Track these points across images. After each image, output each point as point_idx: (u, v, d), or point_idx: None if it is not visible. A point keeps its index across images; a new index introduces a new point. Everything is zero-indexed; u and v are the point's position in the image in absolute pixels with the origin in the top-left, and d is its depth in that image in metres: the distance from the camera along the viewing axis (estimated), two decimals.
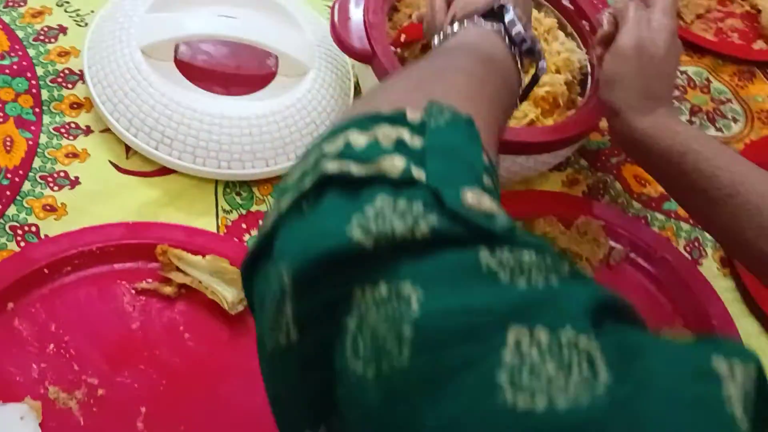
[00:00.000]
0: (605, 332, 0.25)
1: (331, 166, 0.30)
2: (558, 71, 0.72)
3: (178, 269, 0.62)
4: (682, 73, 0.96)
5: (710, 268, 0.75)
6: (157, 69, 0.70)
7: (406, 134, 0.32)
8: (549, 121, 0.73)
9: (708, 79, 0.96)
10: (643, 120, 0.63)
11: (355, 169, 0.30)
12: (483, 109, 0.41)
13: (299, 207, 0.31)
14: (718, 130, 0.91)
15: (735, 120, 0.92)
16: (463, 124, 0.34)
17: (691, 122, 0.91)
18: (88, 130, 0.70)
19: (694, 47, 0.99)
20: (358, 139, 0.31)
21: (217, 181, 0.70)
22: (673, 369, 0.24)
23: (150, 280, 0.62)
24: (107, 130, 0.69)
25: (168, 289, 0.62)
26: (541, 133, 0.70)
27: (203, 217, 0.68)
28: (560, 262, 0.28)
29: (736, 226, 0.57)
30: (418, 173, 0.30)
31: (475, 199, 0.29)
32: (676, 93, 0.93)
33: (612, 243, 0.75)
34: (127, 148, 0.69)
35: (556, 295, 0.27)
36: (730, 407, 0.23)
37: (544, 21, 0.77)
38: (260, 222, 0.68)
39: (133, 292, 0.62)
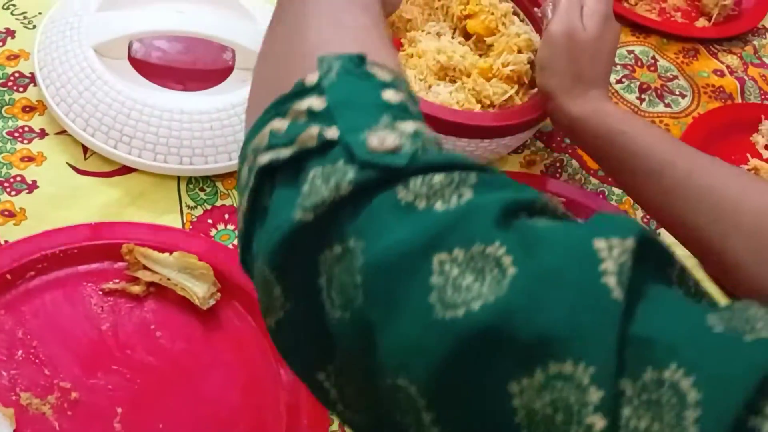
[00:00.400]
0: (513, 228, 0.29)
1: (263, 159, 0.34)
2: (521, 51, 0.74)
3: (145, 268, 0.62)
4: (629, 52, 0.98)
5: (668, 238, 0.77)
6: (111, 68, 0.69)
7: (312, 101, 0.34)
8: (517, 100, 0.74)
9: (654, 58, 0.99)
10: (575, 104, 0.65)
11: (283, 153, 0.33)
12: (363, 29, 0.42)
13: (259, 203, 0.34)
14: (667, 105, 0.93)
15: (682, 95, 0.95)
16: (352, 67, 0.35)
17: (641, 99, 0.93)
18: (42, 133, 0.68)
19: (640, 27, 1.01)
20: (280, 125, 0.34)
21: (179, 178, 0.69)
22: (562, 253, 0.28)
23: (117, 280, 0.62)
24: (63, 131, 0.68)
25: (136, 288, 0.61)
26: (505, 116, 0.71)
27: (167, 214, 0.67)
28: (467, 174, 0.31)
29: (665, 202, 0.59)
30: (332, 133, 0.32)
31: (377, 140, 0.31)
32: (626, 72, 0.96)
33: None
34: (85, 149, 0.68)
35: (468, 211, 0.30)
36: (605, 280, 0.26)
37: (500, 6, 0.78)
38: (226, 216, 0.68)
39: (101, 293, 0.61)
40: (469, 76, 0.74)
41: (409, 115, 0.34)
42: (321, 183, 0.31)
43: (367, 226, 0.30)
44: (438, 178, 0.30)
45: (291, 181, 0.33)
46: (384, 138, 0.31)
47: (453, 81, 0.74)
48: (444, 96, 0.71)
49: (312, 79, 0.35)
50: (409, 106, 0.35)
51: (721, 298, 0.75)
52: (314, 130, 0.32)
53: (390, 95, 0.35)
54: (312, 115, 0.33)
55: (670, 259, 0.30)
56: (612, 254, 0.27)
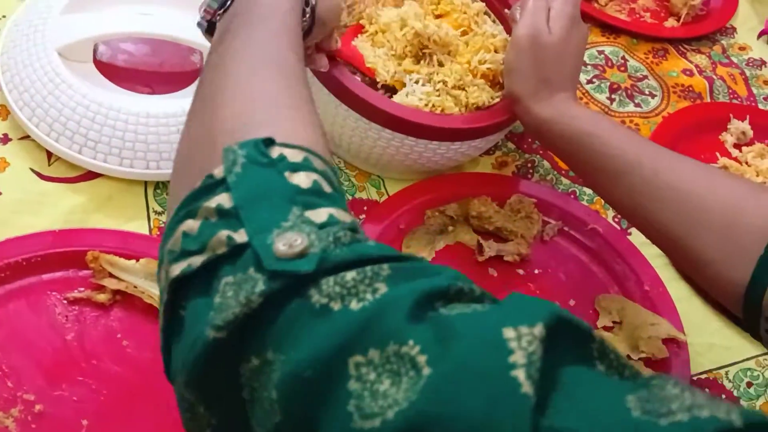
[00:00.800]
0: (427, 321, 0.28)
1: (175, 271, 0.33)
2: (497, 50, 0.73)
3: (111, 275, 0.60)
4: (599, 53, 0.99)
5: (639, 237, 0.77)
6: (75, 71, 0.67)
7: (220, 199, 0.33)
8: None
9: (624, 58, 0.99)
10: (541, 106, 0.66)
11: (195, 261, 0.32)
12: (281, 98, 0.42)
13: (176, 314, 0.34)
14: (637, 105, 0.94)
15: (652, 95, 0.96)
16: (257, 155, 0.35)
17: (611, 99, 0.93)
18: (6, 139, 0.67)
19: (610, 28, 1.02)
20: (192, 226, 0.34)
21: (146, 183, 0.68)
22: (474, 346, 0.27)
23: (82, 289, 0.60)
24: (27, 137, 0.67)
25: (102, 297, 0.60)
26: (475, 119, 0.70)
27: (134, 220, 0.66)
28: (380, 267, 0.30)
29: (632, 202, 0.59)
30: (241, 237, 0.32)
31: (285, 244, 0.31)
32: (596, 73, 0.96)
33: (545, 218, 0.76)
34: (49, 155, 0.67)
35: (381, 308, 0.29)
36: (514, 373, 0.26)
37: (473, 5, 0.77)
38: None
39: (65, 302, 0.60)
40: (449, 53, 0.73)
41: (323, 199, 0.34)
42: (232, 295, 0.30)
43: (283, 336, 0.30)
44: (350, 275, 0.30)
45: (204, 290, 0.32)
46: (292, 241, 0.31)
47: (431, 61, 0.73)
48: (417, 97, 0.70)
49: (219, 173, 0.34)
50: (323, 186, 0.35)
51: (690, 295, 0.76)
52: (223, 234, 0.32)
53: (300, 179, 0.34)
54: (221, 214, 0.33)
55: (587, 336, 0.29)
56: (521, 344, 0.26)
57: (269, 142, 0.35)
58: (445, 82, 0.71)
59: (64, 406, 0.55)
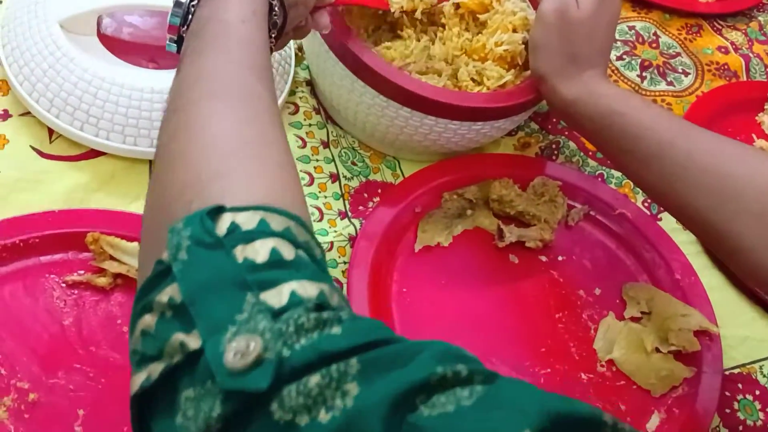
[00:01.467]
0: (406, 424, 0.26)
1: (135, 385, 0.30)
2: (515, 30, 0.69)
3: (112, 258, 0.58)
4: (630, 28, 0.94)
5: (670, 222, 0.73)
6: (78, 44, 0.64)
7: (170, 291, 0.30)
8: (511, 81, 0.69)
9: (656, 34, 0.94)
10: (568, 85, 0.62)
11: (154, 371, 0.30)
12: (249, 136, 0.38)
13: (145, 426, 0.31)
14: (670, 84, 0.89)
15: (685, 73, 0.91)
16: (203, 234, 0.31)
17: (642, 77, 0.89)
18: (6, 114, 0.64)
19: (641, 2, 0.97)
20: (149, 322, 0.31)
21: (150, 162, 0.65)
22: None
23: (81, 272, 0.58)
24: (28, 113, 0.64)
25: (102, 280, 0.57)
26: (499, 98, 0.66)
27: (137, 201, 0.63)
28: (347, 364, 0.27)
29: (664, 185, 0.56)
30: (194, 342, 0.29)
31: (237, 352, 0.27)
32: (626, 49, 0.91)
33: (570, 202, 0.72)
34: (51, 132, 0.64)
35: (354, 419, 0.26)
36: None
37: None
38: None
39: (64, 285, 0.57)
40: (443, 26, 0.70)
41: (284, 270, 0.31)
42: (192, 416, 0.27)
43: None
44: (314, 379, 0.27)
45: (167, 408, 0.29)
46: (244, 348, 0.27)
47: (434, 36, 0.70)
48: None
49: (167, 257, 0.31)
50: (284, 253, 0.31)
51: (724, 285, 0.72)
52: (177, 339, 0.29)
53: (255, 251, 0.31)
54: (174, 309, 0.30)
55: (596, 425, 0.26)
56: None
57: (218, 210, 0.32)
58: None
59: (59, 395, 0.53)
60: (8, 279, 0.56)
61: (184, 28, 0.47)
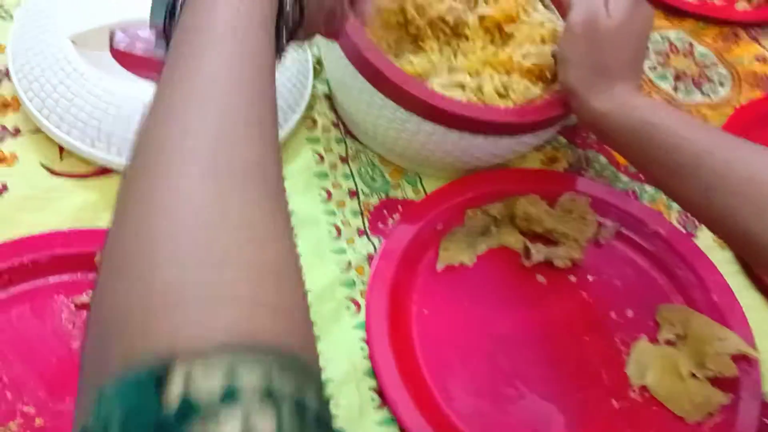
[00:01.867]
0: None
1: None
2: (544, 41, 0.67)
3: None
4: (663, 38, 0.91)
5: (706, 241, 0.70)
6: (90, 60, 0.63)
7: None
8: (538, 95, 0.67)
9: (691, 44, 0.91)
10: (599, 99, 0.59)
11: None
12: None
13: None
14: (705, 95, 0.85)
15: (721, 84, 0.87)
16: (142, 416, 0.22)
17: (676, 88, 0.85)
18: (16, 132, 0.63)
19: (674, 11, 0.93)
20: None
21: None
22: None
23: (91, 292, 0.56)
24: (38, 130, 0.63)
25: None
26: (527, 112, 0.64)
27: None
28: None
29: (702, 196, 0.53)
30: None
31: None
32: (659, 60, 0.88)
33: (600, 219, 0.69)
34: (61, 149, 0.63)
35: None
36: None
37: None
38: None
39: (73, 306, 0.55)
40: (467, 38, 0.67)
41: None
42: None
43: None
44: None
45: None
46: None
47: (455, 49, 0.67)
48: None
49: (90, 429, 0.23)
50: (257, 425, 0.22)
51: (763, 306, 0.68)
52: None
53: (204, 428, 0.22)
54: None
55: None
56: None
57: (167, 365, 0.23)
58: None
59: (66, 420, 0.51)
60: (16, 301, 0.55)
61: (168, 25, 0.39)
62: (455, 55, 0.68)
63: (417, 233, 0.64)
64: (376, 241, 0.64)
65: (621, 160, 0.76)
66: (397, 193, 0.69)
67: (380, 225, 0.66)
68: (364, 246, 0.64)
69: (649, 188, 0.74)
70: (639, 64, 0.63)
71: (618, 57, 0.60)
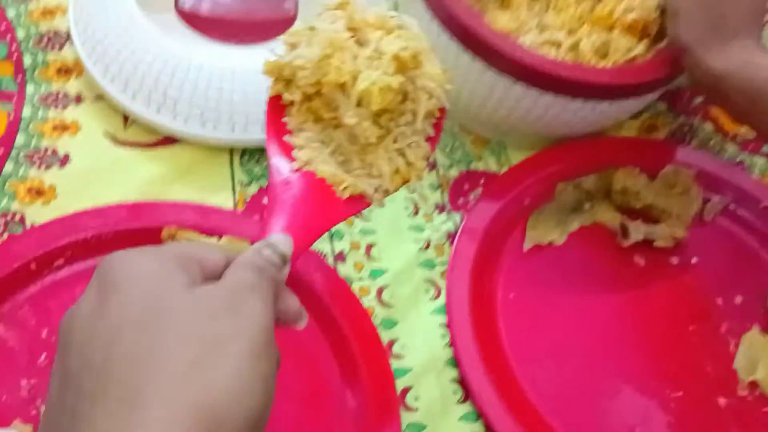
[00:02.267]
0: None
1: None
2: None
3: None
4: None
5: None
6: (155, 22, 0.60)
7: None
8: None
9: None
10: (716, 58, 0.54)
11: None
12: None
13: None
14: None
15: None
16: None
17: None
18: (78, 99, 0.60)
19: None
20: None
21: (232, 149, 0.60)
22: None
23: None
24: (101, 97, 0.60)
25: None
26: (632, 73, 0.58)
27: (218, 192, 0.58)
28: None
29: None
30: None
31: None
32: None
33: (706, 194, 0.64)
34: (125, 117, 0.60)
35: None
36: None
37: None
38: None
39: None
40: None
41: None
42: None
43: None
44: None
45: None
46: None
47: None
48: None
49: None
50: None
51: None
52: None
53: None
54: None
55: None
56: None
57: None
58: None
59: None
60: (80, 278, 0.52)
61: None
62: (546, 11, 0.63)
63: (501, 209, 0.60)
64: (457, 217, 0.60)
65: (729, 128, 0.69)
66: (479, 165, 0.64)
67: (461, 200, 0.62)
68: (443, 223, 0.60)
69: (759, 160, 0.68)
70: (761, 15, 0.58)
71: (735, 7, 0.56)
